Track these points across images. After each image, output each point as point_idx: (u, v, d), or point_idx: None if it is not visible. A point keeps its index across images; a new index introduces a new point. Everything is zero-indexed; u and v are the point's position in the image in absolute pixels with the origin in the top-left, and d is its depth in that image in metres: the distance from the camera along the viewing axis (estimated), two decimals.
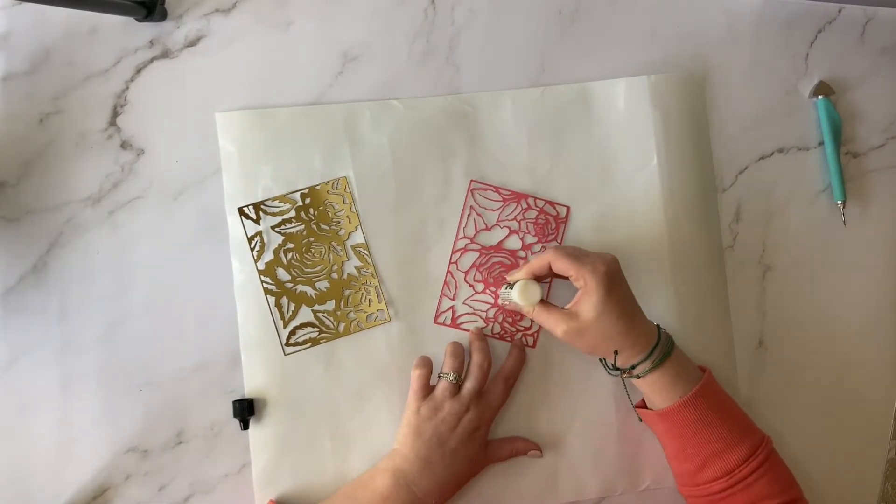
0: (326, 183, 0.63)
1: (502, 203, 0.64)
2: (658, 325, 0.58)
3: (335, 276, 0.63)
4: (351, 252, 0.63)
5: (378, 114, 0.64)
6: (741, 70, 0.68)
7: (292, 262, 0.63)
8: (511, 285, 0.59)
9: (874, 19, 0.70)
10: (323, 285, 0.63)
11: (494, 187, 0.64)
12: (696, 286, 0.65)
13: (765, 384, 0.66)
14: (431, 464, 0.57)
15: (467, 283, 0.64)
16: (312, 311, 0.62)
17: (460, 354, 0.61)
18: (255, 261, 0.62)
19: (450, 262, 0.64)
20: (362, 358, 0.62)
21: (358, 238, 0.63)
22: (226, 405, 0.61)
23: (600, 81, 0.66)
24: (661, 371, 0.56)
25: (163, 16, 0.63)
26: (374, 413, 0.61)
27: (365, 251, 0.63)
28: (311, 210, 0.63)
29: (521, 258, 0.64)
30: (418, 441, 0.57)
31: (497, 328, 0.64)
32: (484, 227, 0.64)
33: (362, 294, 0.63)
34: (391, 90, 0.65)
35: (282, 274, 0.62)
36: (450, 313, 0.64)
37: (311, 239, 0.63)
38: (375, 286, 0.63)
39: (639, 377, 0.57)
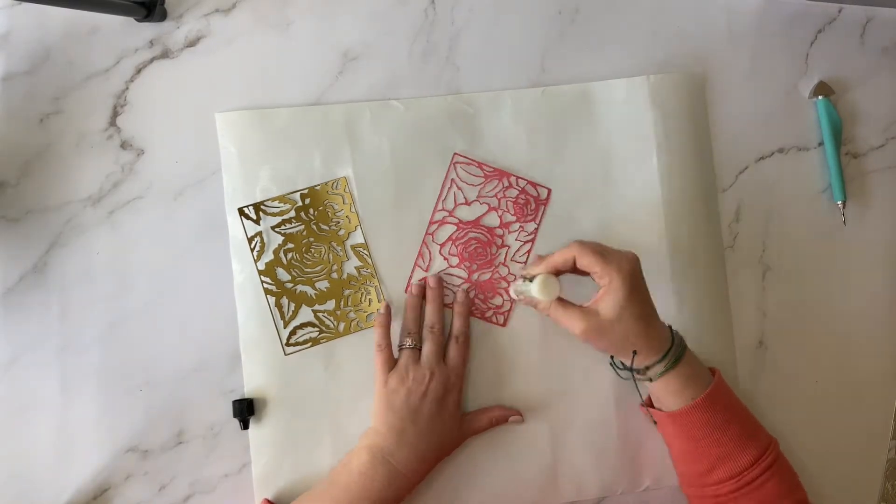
0: (326, 183, 0.63)
1: (484, 179, 0.64)
2: (670, 327, 0.57)
3: (335, 276, 0.63)
4: (351, 252, 0.63)
5: (378, 114, 0.64)
6: (741, 70, 0.68)
7: (292, 262, 0.63)
8: (527, 279, 0.57)
9: (874, 19, 0.70)
10: (323, 285, 0.63)
11: (477, 163, 0.64)
12: (696, 286, 0.65)
13: (765, 384, 0.66)
14: (405, 433, 0.57)
15: (442, 255, 0.64)
16: (312, 310, 0.62)
17: (416, 308, 0.62)
18: (255, 261, 0.62)
19: (426, 234, 0.64)
20: (362, 358, 0.62)
21: (358, 238, 0.63)
22: (226, 405, 0.61)
23: (600, 82, 0.66)
24: (674, 373, 0.55)
25: (163, 16, 0.63)
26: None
27: (365, 251, 0.63)
28: (311, 210, 0.63)
29: (499, 235, 0.64)
30: (390, 413, 0.58)
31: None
32: (463, 201, 0.64)
33: (362, 294, 0.63)
34: (391, 90, 0.65)
35: (282, 274, 0.62)
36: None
37: (311, 239, 0.63)
38: (375, 286, 0.63)
39: (651, 380, 0.56)
